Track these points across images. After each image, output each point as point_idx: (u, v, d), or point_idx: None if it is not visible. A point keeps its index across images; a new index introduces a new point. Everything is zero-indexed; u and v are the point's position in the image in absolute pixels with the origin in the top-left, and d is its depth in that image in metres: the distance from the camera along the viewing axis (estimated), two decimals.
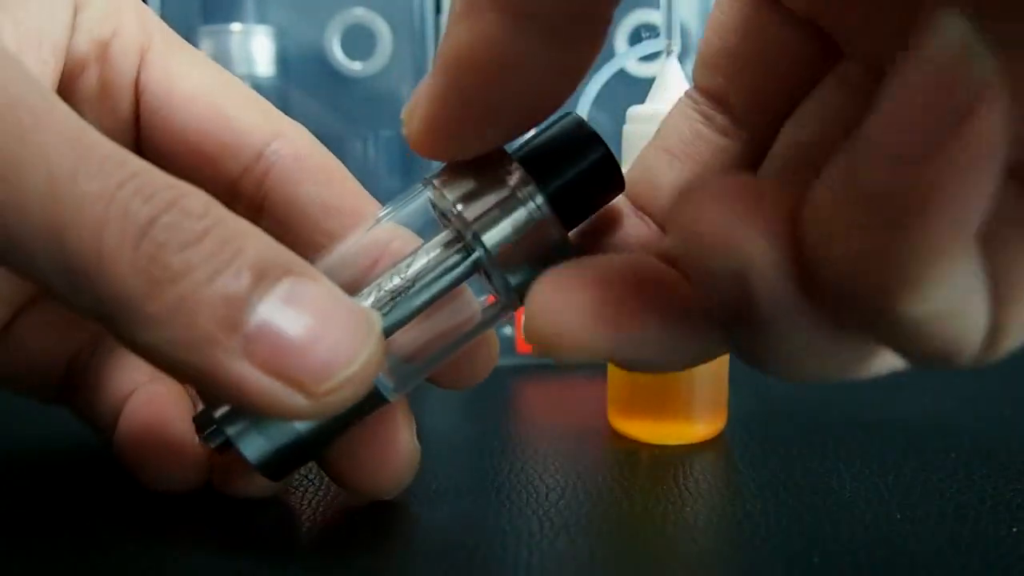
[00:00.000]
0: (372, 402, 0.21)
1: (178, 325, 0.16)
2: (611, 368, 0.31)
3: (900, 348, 0.14)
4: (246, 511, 0.24)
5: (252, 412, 0.19)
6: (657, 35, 0.29)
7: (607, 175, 0.19)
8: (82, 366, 0.25)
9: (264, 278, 0.17)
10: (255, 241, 0.17)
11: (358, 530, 0.23)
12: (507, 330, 0.40)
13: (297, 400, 0.17)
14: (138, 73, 0.24)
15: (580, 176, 0.19)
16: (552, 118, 0.18)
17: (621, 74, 0.35)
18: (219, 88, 0.24)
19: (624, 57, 0.34)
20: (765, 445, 0.29)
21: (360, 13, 0.42)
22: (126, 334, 0.17)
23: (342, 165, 0.24)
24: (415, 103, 0.17)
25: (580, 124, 0.19)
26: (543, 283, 0.15)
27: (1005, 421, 0.32)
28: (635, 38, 0.42)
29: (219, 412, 0.20)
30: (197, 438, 0.21)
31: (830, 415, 0.32)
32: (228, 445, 0.20)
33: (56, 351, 0.25)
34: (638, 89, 0.31)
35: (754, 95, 0.19)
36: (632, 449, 0.29)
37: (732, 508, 0.25)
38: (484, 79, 0.16)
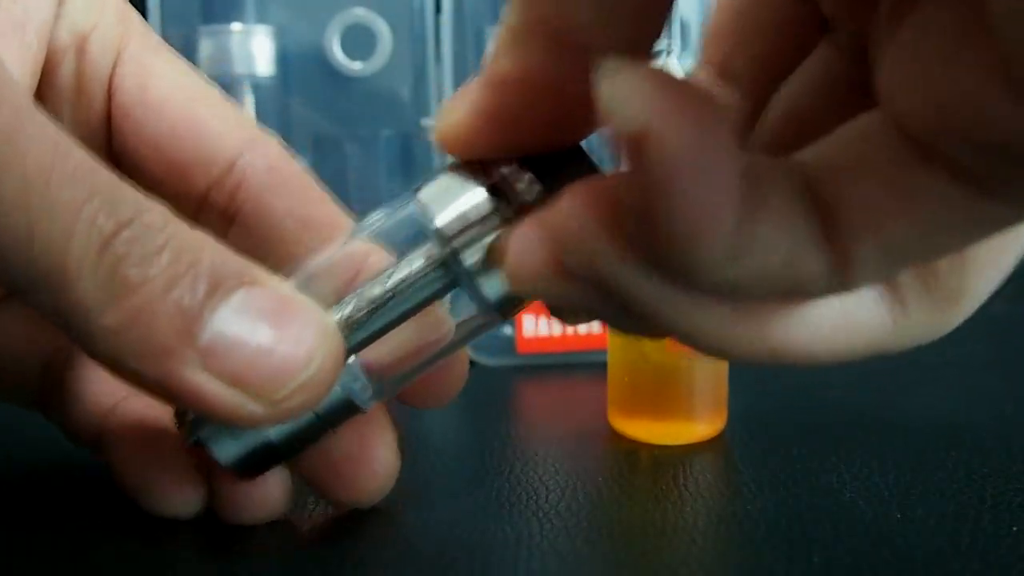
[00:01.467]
0: (345, 410, 0.21)
1: (135, 336, 0.16)
2: (611, 368, 0.31)
3: (752, 297, 0.15)
4: None
5: (212, 420, 0.19)
6: None
7: None
8: (58, 374, 0.24)
9: (218, 288, 0.17)
10: (210, 253, 0.17)
11: (357, 530, 0.23)
12: (507, 330, 0.40)
13: (254, 407, 0.17)
14: (113, 69, 0.23)
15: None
16: None
17: None
18: (193, 93, 0.24)
19: None
20: (765, 445, 0.29)
21: (360, 13, 0.42)
22: (87, 343, 0.17)
23: (312, 177, 0.24)
24: (455, 107, 0.17)
25: None
26: (524, 226, 0.16)
27: (1005, 421, 0.32)
28: None
29: (192, 414, 0.20)
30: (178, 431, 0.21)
31: (830, 415, 0.32)
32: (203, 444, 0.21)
33: (28, 353, 0.24)
34: None
35: (760, 61, 0.19)
36: (632, 449, 0.29)
37: (732, 508, 0.25)
38: (527, 102, 0.16)
